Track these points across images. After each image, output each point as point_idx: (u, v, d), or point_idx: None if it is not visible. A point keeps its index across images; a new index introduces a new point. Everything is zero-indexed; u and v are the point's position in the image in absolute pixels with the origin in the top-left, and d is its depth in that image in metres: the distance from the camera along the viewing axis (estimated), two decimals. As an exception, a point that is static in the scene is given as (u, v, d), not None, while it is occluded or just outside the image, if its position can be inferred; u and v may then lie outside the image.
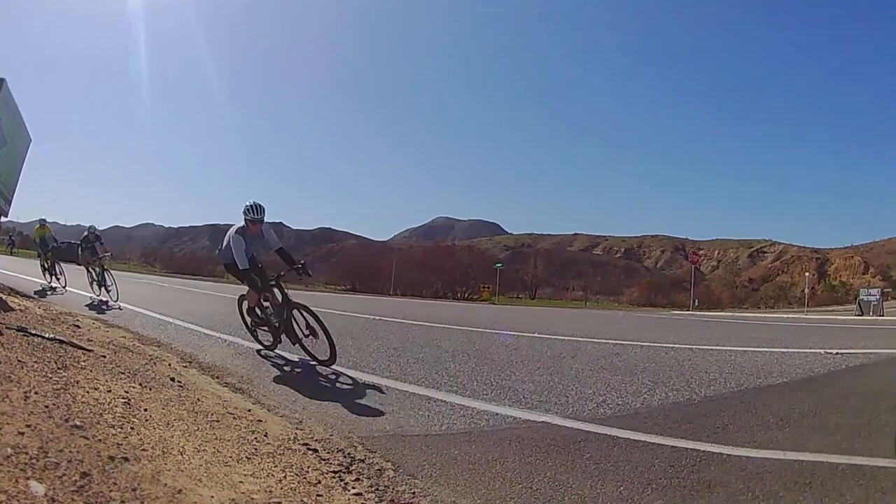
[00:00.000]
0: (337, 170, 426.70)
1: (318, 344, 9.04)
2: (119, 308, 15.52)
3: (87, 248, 19.60)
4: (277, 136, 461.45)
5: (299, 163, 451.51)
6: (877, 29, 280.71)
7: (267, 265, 10.34)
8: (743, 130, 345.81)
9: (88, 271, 19.35)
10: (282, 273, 9.86)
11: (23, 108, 12.57)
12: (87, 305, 15.14)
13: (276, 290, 9.82)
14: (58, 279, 21.45)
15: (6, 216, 13.46)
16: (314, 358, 9.10)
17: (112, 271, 18.76)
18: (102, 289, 18.43)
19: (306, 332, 9.30)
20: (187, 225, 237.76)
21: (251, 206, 9.57)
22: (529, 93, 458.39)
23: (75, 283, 20.48)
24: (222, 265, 10.54)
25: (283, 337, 9.73)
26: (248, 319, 10.47)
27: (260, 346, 10.17)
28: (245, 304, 10.52)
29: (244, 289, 10.14)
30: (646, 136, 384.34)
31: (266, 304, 10.03)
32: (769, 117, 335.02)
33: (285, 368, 8.85)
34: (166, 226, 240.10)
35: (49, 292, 19.06)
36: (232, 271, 10.03)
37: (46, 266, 22.29)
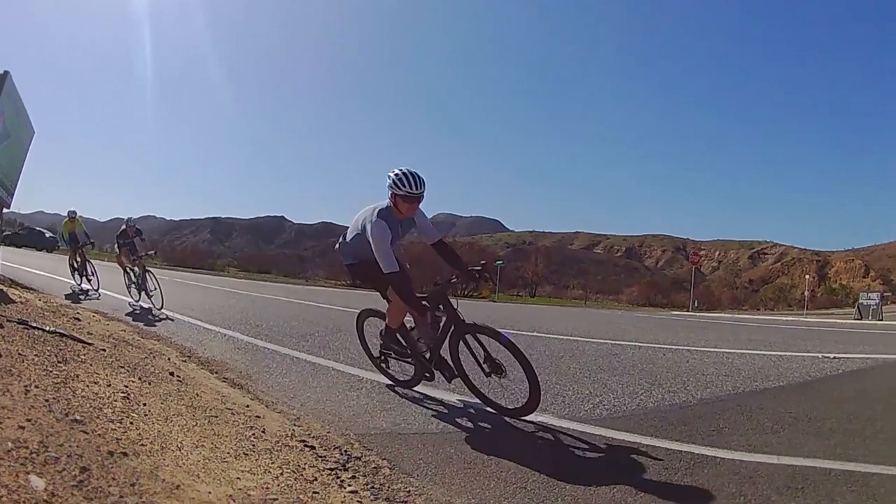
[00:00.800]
0: (338, 165, 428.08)
1: (502, 385, 6.80)
2: (170, 319, 12.97)
3: (126, 245, 17.14)
4: (278, 131, 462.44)
5: (300, 157, 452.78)
6: (879, 29, 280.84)
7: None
8: (745, 131, 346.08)
9: (126, 272, 16.98)
10: (453, 279, 6.88)
11: (27, 102, 12.63)
12: (127, 315, 13.35)
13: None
14: (89, 280, 19.16)
15: (8, 207, 13.46)
16: (493, 405, 6.63)
17: (114, 264, 17.49)
18: (143, 293, 15.84)
19: (487, 369, 6.57)
20: (188, 218, 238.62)
21: (405, 174, 6.33)
22: (530, 91, 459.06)
23: (111, 286, 18.69)
24: (345, 266, 7.35)
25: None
26: (378, 345, 7.75)
27: (390, 381, 7.74)
28: (372, 324, 8.00)
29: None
30: (647, 135, 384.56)
31: (410, 323, 7.18)
32: (771, 118, 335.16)
33: (283, 364, 8.74)
34: (167, 218, 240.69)
35: (81, 296, 16.88)
36: (364, 276, 7.18)
37: (76, 265, 19.70)
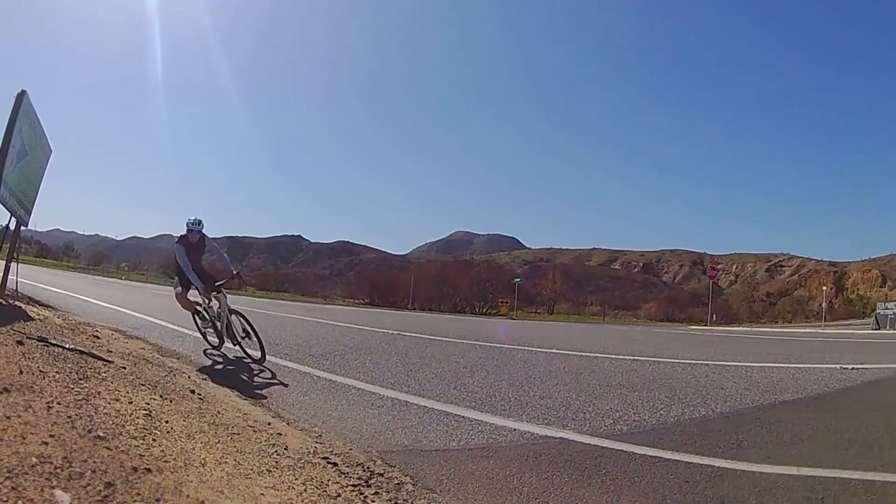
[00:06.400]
0: (357, 184, 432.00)
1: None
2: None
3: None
4: (296, 150, 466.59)
5: (319, 176, 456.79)
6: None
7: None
8: (760, 143, 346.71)
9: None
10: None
11: (43, 121, 12.69)
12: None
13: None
14: None
15: (26, 226, 13.48)
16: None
17: (131, 283, 16.51)
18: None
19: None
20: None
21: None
22: (548, 109, 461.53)
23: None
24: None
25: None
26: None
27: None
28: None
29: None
30: (663, 150, 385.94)
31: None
32: (785, 128, 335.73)
33: (304, 382, 8.70)
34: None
35: None
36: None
37: None
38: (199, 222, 10.80)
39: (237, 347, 10.49)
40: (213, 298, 10.64)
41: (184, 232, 10.76)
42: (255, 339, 10.22)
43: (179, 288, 11.12)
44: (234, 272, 11.58)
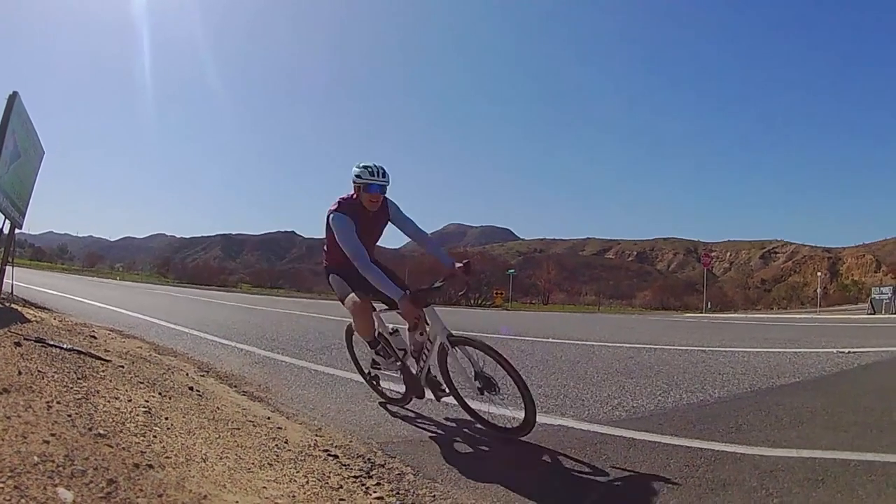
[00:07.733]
0: (348, 177, 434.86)
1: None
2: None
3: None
4: (286, 145, 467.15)
5: (309, 171, 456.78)
6: (888, 25, 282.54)
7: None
8: (751, 129, 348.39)
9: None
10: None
11: (35, 122, 12.67)
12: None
13: None
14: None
15: (20, 228, 13.44)
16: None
17: (126, 283, 15.88)
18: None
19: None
20: (199, 235, 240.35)
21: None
22: (541, 98, 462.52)
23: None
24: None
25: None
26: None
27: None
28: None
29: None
30: (655, 139, 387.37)
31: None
32: (776, 114, 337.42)
33: (302, 377, 8.66)
34: (178, 236, 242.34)
35: None
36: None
37: None
38: (384, 173, 5.99)
39: (451, 399, 6.18)
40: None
41: (349, 193, 6.15)
42: (510, 389, 5.54)
43: (352, 294, 6.22)
44: (459, 265, 6.26)
